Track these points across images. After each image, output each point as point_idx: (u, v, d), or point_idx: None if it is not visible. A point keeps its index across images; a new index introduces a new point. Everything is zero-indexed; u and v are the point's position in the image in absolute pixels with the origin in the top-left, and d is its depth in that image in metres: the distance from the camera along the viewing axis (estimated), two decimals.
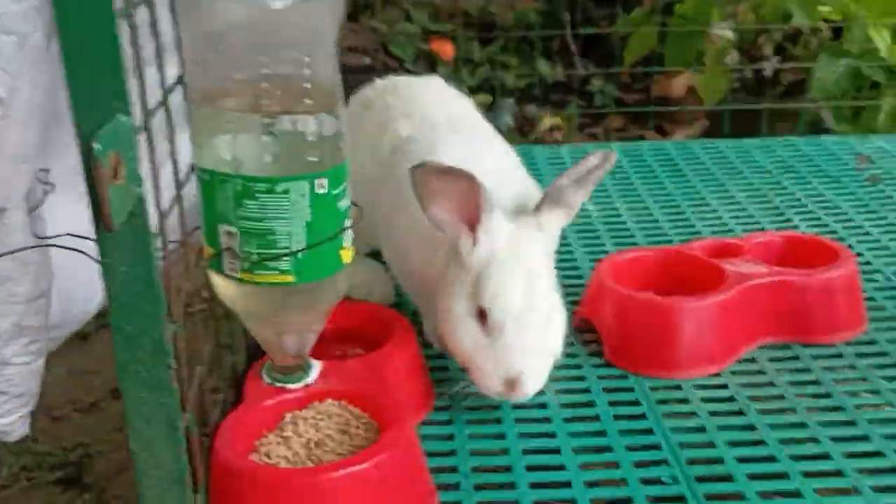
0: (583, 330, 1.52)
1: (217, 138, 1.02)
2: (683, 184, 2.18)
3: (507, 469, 1.21)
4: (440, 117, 1.47)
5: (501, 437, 1.28)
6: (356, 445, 1.12)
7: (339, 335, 1.38)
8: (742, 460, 1.21)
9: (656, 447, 1.25)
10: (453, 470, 1.21)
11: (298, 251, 1.05)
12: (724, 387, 1.39)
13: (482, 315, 1.19)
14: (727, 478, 1.18)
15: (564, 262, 1.77)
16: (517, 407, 1.31)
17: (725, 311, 1.42)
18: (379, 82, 1.62)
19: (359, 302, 1.42)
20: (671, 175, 2.24)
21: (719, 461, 1.21)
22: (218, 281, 1.10)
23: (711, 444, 1.25)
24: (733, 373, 1.42)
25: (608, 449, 1.25)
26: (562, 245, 1.46)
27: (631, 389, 1.39)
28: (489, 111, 3.60)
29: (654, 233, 1.92)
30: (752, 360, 1.45)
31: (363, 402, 1.17)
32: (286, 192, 1.02)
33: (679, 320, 1.40)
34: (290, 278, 1.07)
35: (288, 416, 1.17)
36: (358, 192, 1.47)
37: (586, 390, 1.38)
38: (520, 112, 3.17)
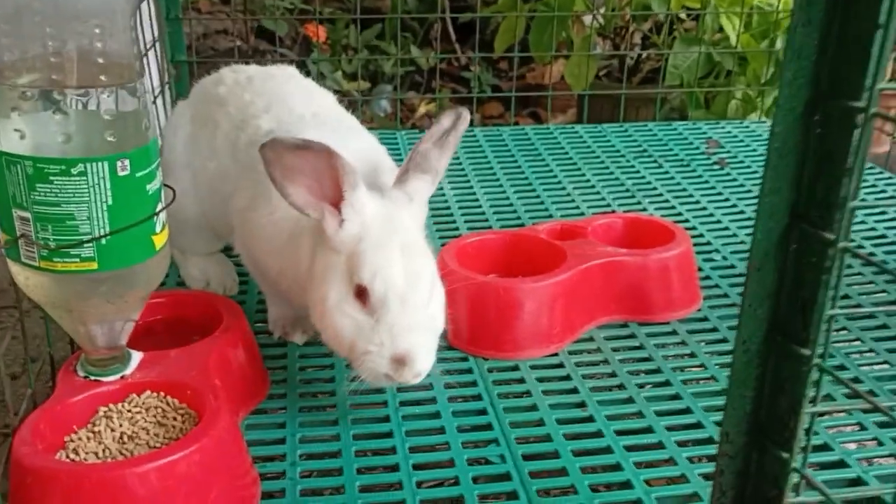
0: None
1: (5, 117, 0.96)
2: (540, 168, 2.21)
3: (337, 455, 1.20)
4: (304, 110, 1.39)
5: (334, 423, 1.26)
6: (172, 438, 1.09)
7: (169, 325, 1.33)
8: (569, 437, 1.24)
9: (488, 427, 1.26)
10: (281, 458, 1.19)
11: (101, 237, 1.00)
12: (560, 366, 1.41)
13: (361, 294, 1.12)
14: (553, 454, 1.20)
15: None
16: (354, 392, 1.21)
17: (564, 291, 1.45)
18: (227, 76, 1.50)
19: (191, 291, 1.37)
20: (529, 159, 2.27)
21: (547, 439, 1.23)
22: (16, 269, 1.04)
23: (541, 423, 1.27)
24: (570, 352, 1.45)
25: (440, 431, 1.25)
26: None
27: (469, 371, 1.39)
28: (367, 97, 3.57)
29: (509, 215, 1.93)
30: (590, 339, 1.49)
31: (182, 392, 1.13)
32: (83, 173, 0.97)
33: (517, 301, 1.42)
34: (93, 265, 1.02)
35: (102, 410, 1.12)
36: (216, 189, 1.42)
37: None
38: (397, 99, 3.14)
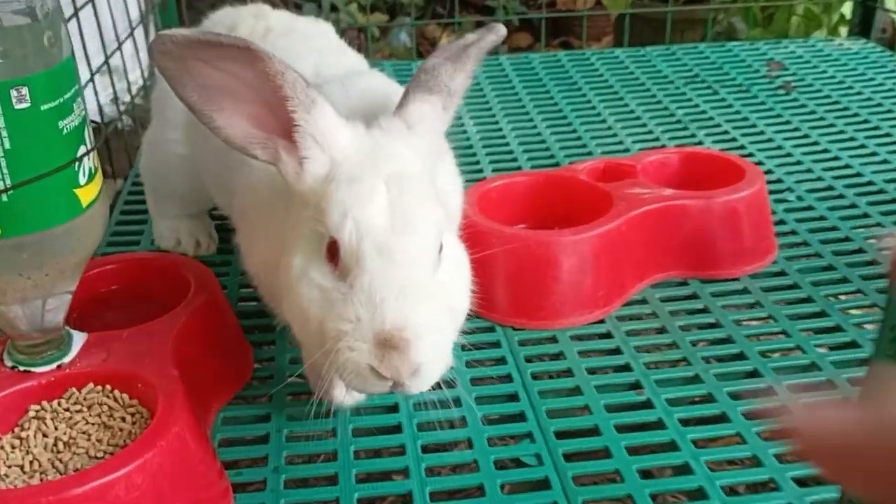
0: None
1: None
2: (577, 98, 1.92)
3: (332, 458, 0.96)
4: (313, 70, 1.05)
5: (329, 415, 1.02)
6: (118, 444, 0.86)
7: (127, 298, 1.10)
8: (622, 429, 0.98)
9: (520, 417, 1.01)
10: (263, 462, 0.95)
11: (0, 192, 0.76)
12: (608, 336, 1.15)
13: (333, 253, 0.79)
14: (602, 453, 0.95)
15: None
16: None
17: (610, 244, 1.19)
18: (244, 24, 1.18)
19: (153, 254, 1.13)
20: (563, 89, 1.98)
21: (594, 432, 0.98)
22: None
23: (586, 410, 1.02)
24: (619, 318, 1.19)
25: (460, 423, 1.00)
26: None
27: (496, 345, 1.14)
28: (387, 24, 3.30)
29: (541, 154, 1.66)
30: (643, 302, 1.23)
31: (133, 385, 0.90)
32: None
33: (553, 258, 1.16)
34: None
35: (32, 410, 0.89)
36: (218, 159, 1.08)
37: None
38: (412, 26, 2.86)
